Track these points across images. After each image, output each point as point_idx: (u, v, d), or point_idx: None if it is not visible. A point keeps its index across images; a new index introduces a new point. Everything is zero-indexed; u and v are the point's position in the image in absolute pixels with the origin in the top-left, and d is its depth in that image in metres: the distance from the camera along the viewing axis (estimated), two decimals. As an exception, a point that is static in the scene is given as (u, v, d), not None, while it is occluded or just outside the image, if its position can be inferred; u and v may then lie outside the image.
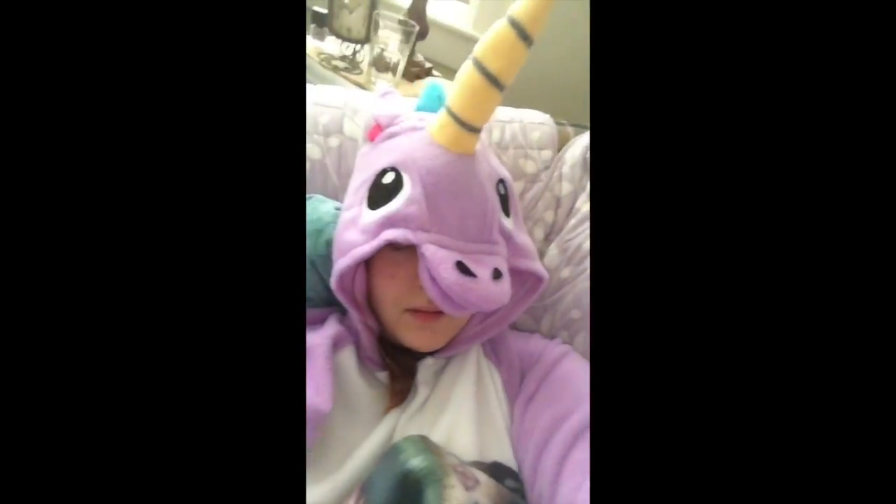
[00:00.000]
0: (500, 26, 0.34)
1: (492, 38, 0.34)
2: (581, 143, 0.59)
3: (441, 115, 0.37)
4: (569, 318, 0.53)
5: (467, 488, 0.32)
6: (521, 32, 0.33)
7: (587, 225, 0.55)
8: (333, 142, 0.53)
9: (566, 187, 0.57)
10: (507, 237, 0.40)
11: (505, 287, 0.36)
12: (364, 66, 1.03)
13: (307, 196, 0.46)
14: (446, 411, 0.39)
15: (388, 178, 0.37)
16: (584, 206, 0.56)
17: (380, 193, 0.37)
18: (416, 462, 0.32)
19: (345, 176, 0.53)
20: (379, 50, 0.95)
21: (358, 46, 1.05)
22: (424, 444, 0.34)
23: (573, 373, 0.42)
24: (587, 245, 0.53)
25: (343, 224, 0.38)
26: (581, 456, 0.35)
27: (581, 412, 0.37)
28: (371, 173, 0.39)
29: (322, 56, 1.02)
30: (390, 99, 0.47)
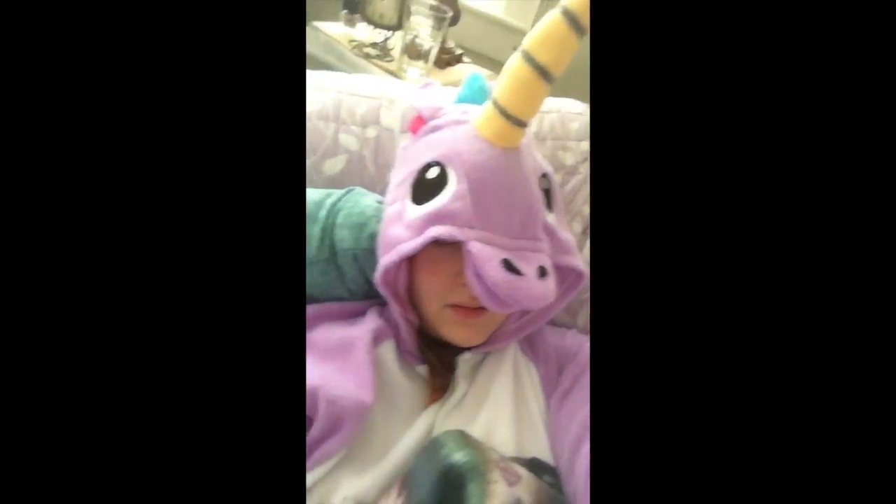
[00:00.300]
0: (552, 17, 0.33)
1: (543, 29, 0.33)
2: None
3: (486, 109, 0.37)
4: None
5: (510, 484, 0.32)
6: (574, 23, 0.32)
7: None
8: (371, 133, 0.53)
9: (606, 180, 0.56)
10: (550, 233, 0.39)
11: (550, 285, 0.35)
12: (395, 53, 1.02)
13: (348, 189, 0.46)
14: (485, 406, 0.40)
15: (433, 172, 0.37)
16: (624, 199, 0.55)
17: (424, 188, 0.37)
18: (458, 456, 0.32)
19: (383, 167, 0.53)
20: (411, 37, 0.94)
21: (389, 33, 1.04)
22: (465, 438, 0.35)
23: None
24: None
25: (388, 219, 0.38)
26: None
27: None
28: (415, 168, 0.39)
29: (353, 43, 1.02)
30: (431, 90, 0.46)
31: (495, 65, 1.20)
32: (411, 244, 0.35)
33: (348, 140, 0.53)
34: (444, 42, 1.03)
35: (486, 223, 0.35)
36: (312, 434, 0.35)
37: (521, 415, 0.40)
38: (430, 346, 0.42)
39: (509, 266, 0.33)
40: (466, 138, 0.37)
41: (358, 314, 0.44)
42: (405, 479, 0.34)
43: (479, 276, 0.33)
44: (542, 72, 0.34)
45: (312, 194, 0.45)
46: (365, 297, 0.45)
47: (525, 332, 0.44)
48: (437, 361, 0.42)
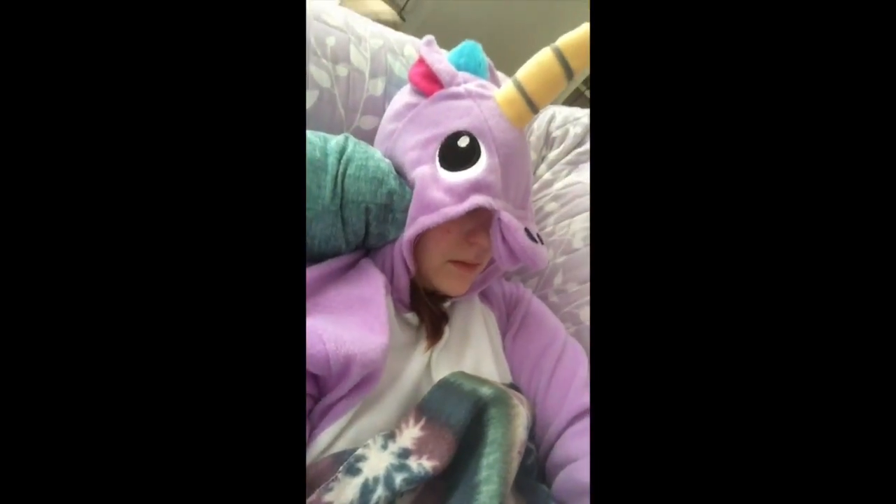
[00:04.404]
0: (584, 28, 0.39)
1: (580, 37, 0.39)
2: (546, 114, 0.68)
3: (510, 90, 0.41)
4: (523, 267, 0.64)
5: (523, 406, 0.41)
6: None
7: (545, 191, 0.65)
8: (342, 71, 0.50)
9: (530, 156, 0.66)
10: (529, 204, 0.47)
11: (545, 249, 0.44)
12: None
13: (345, 136, 0.43)
14: (469, 345, 0.47)
15: (463, 142, 0.40)
16: (544, 173, 0.66)
17: (454, 155, 0.40)
18: (485, 390, 0.39)
19: (351, 111, 0.51)
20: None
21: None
22: (476, 377, 0.41)
23: (542, 310, 0.54)
24: (547, 207, 0.64)
25: (424, 180, 0.40)
26: (563, 375, 0.48)
27: (558, 340, 0.50)
28: (440, 132, 0.41)
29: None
30: (435, 48, 0.46)
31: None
32: (457, 209, 0.38)
33: (320, 75, 0.48)
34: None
35: (507, 195, 0.41)
36: (339, 392, 0.37)
37: (495, 350, 0.49)
38: (423, 295, 0.46)
39: (529, 234, 0.40)
40: (493, 115, 0.41)
41: (350, 267, 0.44)
42: (422, 409, 0.39)
43: (504, 241, 0.39)
44: (569, 72, 0.40)
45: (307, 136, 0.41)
46: (356, 248, 0.45)
47: (487, 283, 0.52)
48: (436, 309, 0.46)
